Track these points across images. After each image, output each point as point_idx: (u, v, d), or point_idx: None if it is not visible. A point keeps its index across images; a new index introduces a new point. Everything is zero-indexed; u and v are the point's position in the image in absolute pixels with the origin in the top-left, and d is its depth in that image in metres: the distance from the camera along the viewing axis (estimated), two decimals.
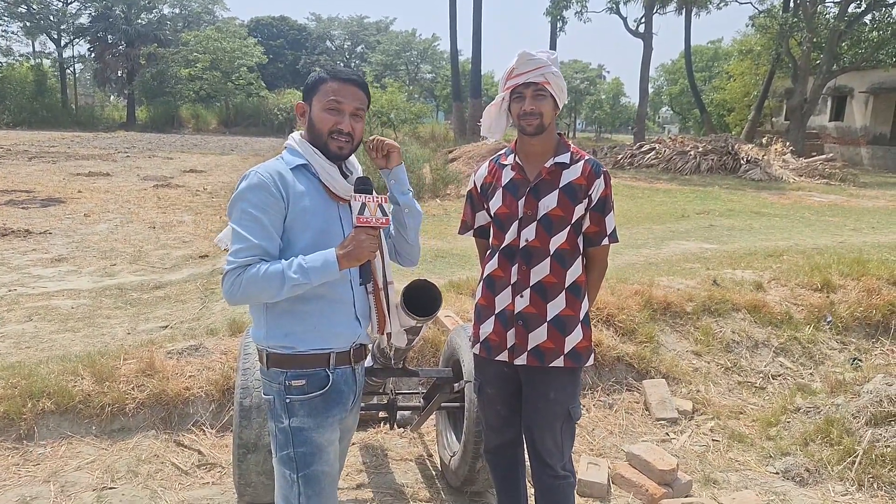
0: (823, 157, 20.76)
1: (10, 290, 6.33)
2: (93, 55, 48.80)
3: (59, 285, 6.62)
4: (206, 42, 43.17)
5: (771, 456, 3.74)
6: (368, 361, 2.91)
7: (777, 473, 3.56)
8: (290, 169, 1.96)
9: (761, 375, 4.75)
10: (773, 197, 14.72)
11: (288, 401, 1.94)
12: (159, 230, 9.70)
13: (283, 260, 1.88)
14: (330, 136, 1.95)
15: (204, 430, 3.61)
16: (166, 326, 5.23)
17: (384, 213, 1.93)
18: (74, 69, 52.60)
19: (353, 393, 2.07)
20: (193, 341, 4.14)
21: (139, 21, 47.98)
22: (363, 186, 1.98)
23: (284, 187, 1.91)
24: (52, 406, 3.49)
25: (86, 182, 14.93)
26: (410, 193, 2.18)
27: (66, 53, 49.63)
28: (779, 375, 4.78)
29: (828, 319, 5.35)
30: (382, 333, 2.09)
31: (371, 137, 2.17)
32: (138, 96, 47.65)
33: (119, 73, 47.76)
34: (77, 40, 49.51)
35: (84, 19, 48.54)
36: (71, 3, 47.96)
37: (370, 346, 2.74)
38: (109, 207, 11.59)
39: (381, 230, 1.99)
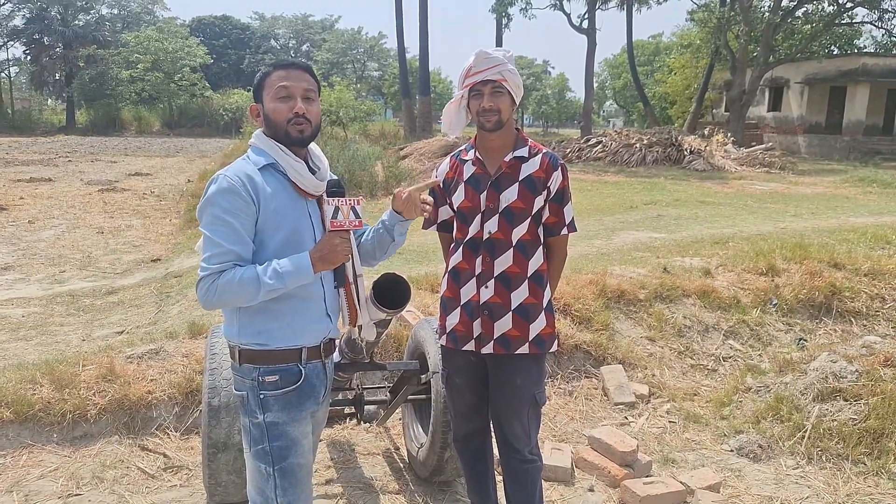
0: (763, 146, 21.52)
1: None
2: (28, 58, 46.97)
3: (6, 294, 6.41)
4: (147, 43, 42.10)
5: (725, 434, 3.89)
6: (336, 357, 2.94)
7: (731, 451, 3.71)
8: (258, 169, 1.94)
9: (713, 358, 4.94)
10: (717, 186, 15.20)
11: (262, 396, 1.95)
12: (108, 235, 9.46)
13: (257, 265, 1.88)
14: (288, 123, 1.94)
15: (168, 434, 3.58)
16: (122, 332, 5.13)
17: (357, 216, 1.96)
18: (9, 72, 50.50)
19: (325, 386, 2.09)
20: (153, 345, 4.08)
21: (76, 22, 46.40)
22: (336, 189, 1.99)
23: (254, 190, 1.89)
24: (11, 415, 3.41)
25: (27, 188, 14.42)
26: (405, 234, 2.19)
27: (0, 56, 47.66)
28: (729, 357, 4.98)
29: (773, 302, 5.59)
30: (355, 326, 2.13)
31: (415, 189, 2.11)
32: (77, 99, 46.00)
33: (57, 76, 46.16)
34: (11, 43, 47.57)
35: (18, 21, 46.77)
36: (3, 4, 46.02)
37: (338, 341, 2.77)
38: (54, 213, 11.24)
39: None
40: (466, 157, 2.51)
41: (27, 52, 47.01)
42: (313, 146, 2.08)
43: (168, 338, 4.29)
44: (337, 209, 1.93)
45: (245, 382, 1.98)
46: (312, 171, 2.03)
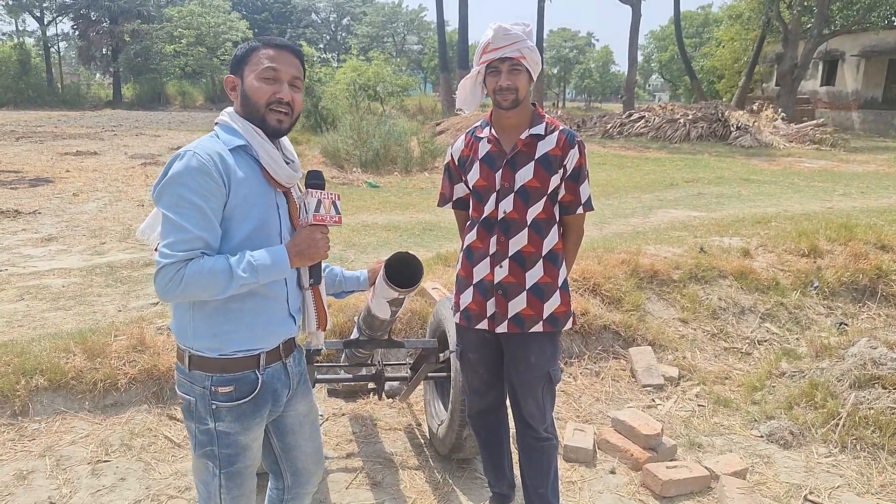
0: (814, 122, 20.76)
1: (1, 270, 6.32)
2: (76, 33, 48.10)
3: (49, 264, 6.60)
4: (190, 17, 42.63)
5: (756, 420, 3.79)
6: (354, 334, 2.94)
7: (761, 437, 3.62)
8: (229, 150, 1.76)
9: (747, 341, 4.81)
10: (763, 163, 14.75)
11: (214, 406, 1.80)
12: (148, 208, 9.65)
13: (228, 256, 1.71)
14: (268, 108, 1.78)
15: None
16: (156, 303, 5.24)
17: (338, 211, 1.85)
18: (59, 47, 51.75)
19: (288, 387, 1.94)
20: None
21: None
22: (316, 181, 1.86)
23: (226, 172, 1.70)
24: (46, 383, 3.52)
25: (74, 161, 14.79)
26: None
27: (50, 32, 48.94)
28: (765, 341, 4.84)
29: (814, 285, 5.41)
30: (324, 329, 1.98)
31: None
32: (124, 74, 47.02)
33: (104, 51, 47.16)
34: (60, 18, 48.75)
35: None
36: None
37: (356, 318, 2.76)
38: (98, 186, 11.50)
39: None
40: (482, 135, 2.45)
41: (75, 27, 48.13)
42: (284, 140, 1.92)
43: None
44: (319, 202, 1.80)
45: (194, 389, 1.81)
46: (287, 161, 1.87)
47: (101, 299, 5.47)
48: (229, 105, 1.90)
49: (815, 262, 5.60)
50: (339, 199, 1.86)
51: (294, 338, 1.97)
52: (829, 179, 12.18)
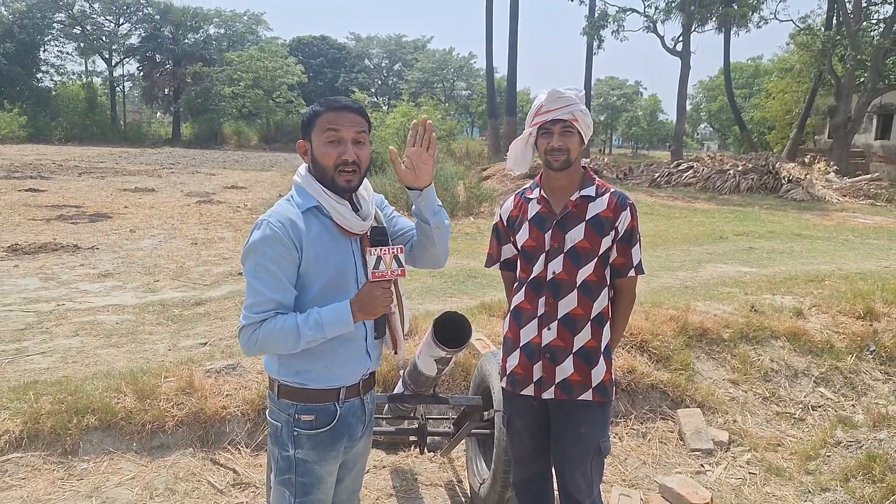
0: (869, 176, 20.25)
1: (58, 305, 6.55)
2: (141, 74, 50.79)
3: (104, 300, 6.81)
4: (249, 61, 44.57)
5: (810, 491, 3.63)
6: (399, 388, 2.95)
7: None
8: (302, 213, 1.92)
9: (801, 406, 4.64)
10: (816, 218, 14.40)
11: (296, 433, 1.98)
12: (201, 246, 9.93)
13: (297, 314, 1.88)
14: (336, 170, 1.91)
15: (239, 449, 3.68)
16: (205, 343, 5.34)
17: (399, 265, 1.91)
18: (124, 87, 54.88)
19: (363, 422, 2.09)
20: (231, 360, 4.23)
21: (186, 41, 49.87)
22: (378, 238, 1.93)
23: (297, 236, 1.88)
24: (96, 422, 3.59)
25: (132, 197, 15.38)
26: (441, 210, 2.08)
27: (117, 72, 51.84)
28: (819, 406, 4.66)
29: (871, 349, 5.21)
30: (397, 353, 2.10)
31: (419, 122, 2.01)
32: (183, 113, 49.42)
33: (166, 91, 49.64)
34: (127, 59, 51.73)
35: (134, 39, 51.04)
36: (122, 24, 50.22)
37: (401, 372, 2.77)
38: (154, 223, 11.91)
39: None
40: (531, 196, 2.48)
41: (140, 68, 50.96)
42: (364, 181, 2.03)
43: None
44: (379, 259, 1.88)
45: (281, 415, 2.00)
46: (356, 209, 1.98)
47: (152, 337, 5.61)
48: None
49: (871, 325, 5.41)
50: (401, 252, 1.92)
51: (373, 374, 2.13)
52: (885, 237, 11.80)
